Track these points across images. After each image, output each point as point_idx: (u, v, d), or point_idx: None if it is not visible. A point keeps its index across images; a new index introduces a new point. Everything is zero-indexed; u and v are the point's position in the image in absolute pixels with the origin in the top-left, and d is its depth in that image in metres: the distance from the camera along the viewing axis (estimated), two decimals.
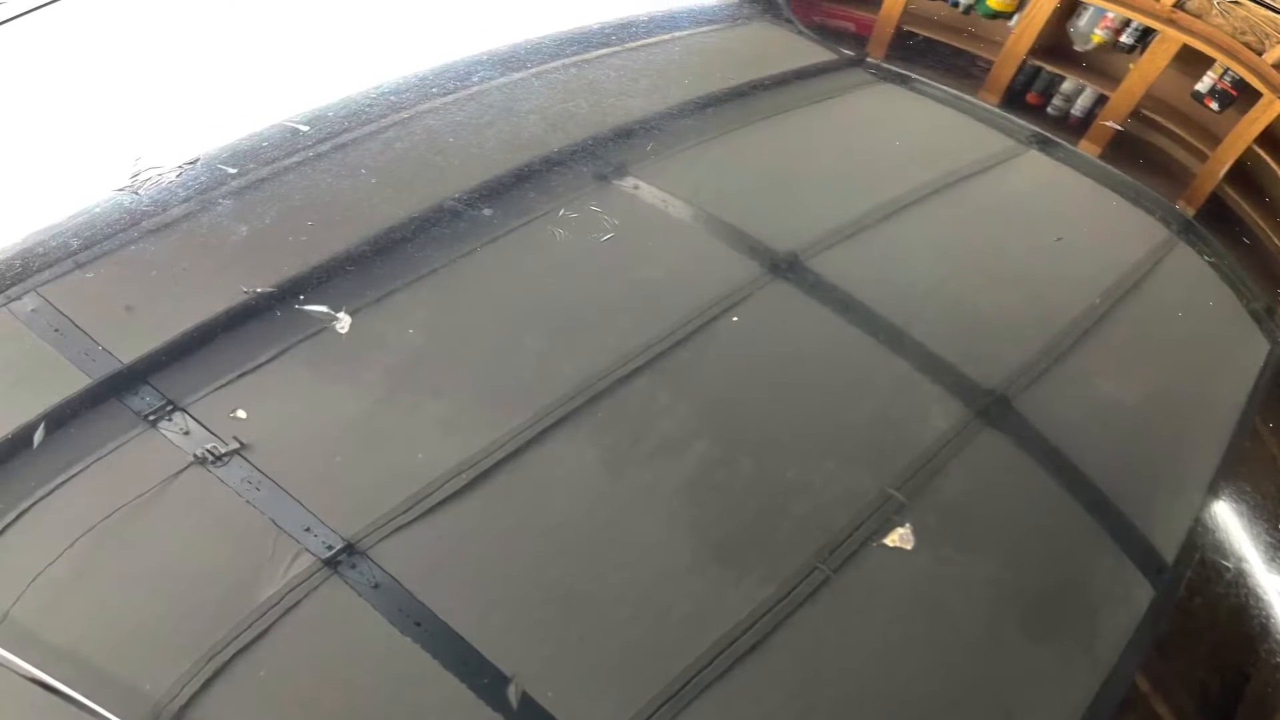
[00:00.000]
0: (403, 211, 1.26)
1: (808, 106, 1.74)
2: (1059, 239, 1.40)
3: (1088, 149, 1.70)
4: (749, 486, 0.98)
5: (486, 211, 1.27)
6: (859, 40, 2.04)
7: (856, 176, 1.50)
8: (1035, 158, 1.60)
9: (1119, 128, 1.74)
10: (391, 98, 1.49)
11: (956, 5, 2.17)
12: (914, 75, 1.80)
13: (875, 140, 1.62)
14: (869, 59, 1.91)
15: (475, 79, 1.55)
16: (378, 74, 1.56)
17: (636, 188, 1.34)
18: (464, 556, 0.92)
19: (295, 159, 1.34)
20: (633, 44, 1.75)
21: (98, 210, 1.23)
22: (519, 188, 1.32)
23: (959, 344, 1.19)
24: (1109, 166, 1.65)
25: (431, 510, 0.93)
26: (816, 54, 1.96)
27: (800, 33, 2.01)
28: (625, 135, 1.46)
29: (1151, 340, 1.29)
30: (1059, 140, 1.66)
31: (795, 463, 1.01)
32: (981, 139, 1.69)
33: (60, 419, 0.98)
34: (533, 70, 1.60)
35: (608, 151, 1.41)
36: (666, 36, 1.81)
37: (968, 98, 1.82)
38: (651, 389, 1.07)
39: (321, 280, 1.15)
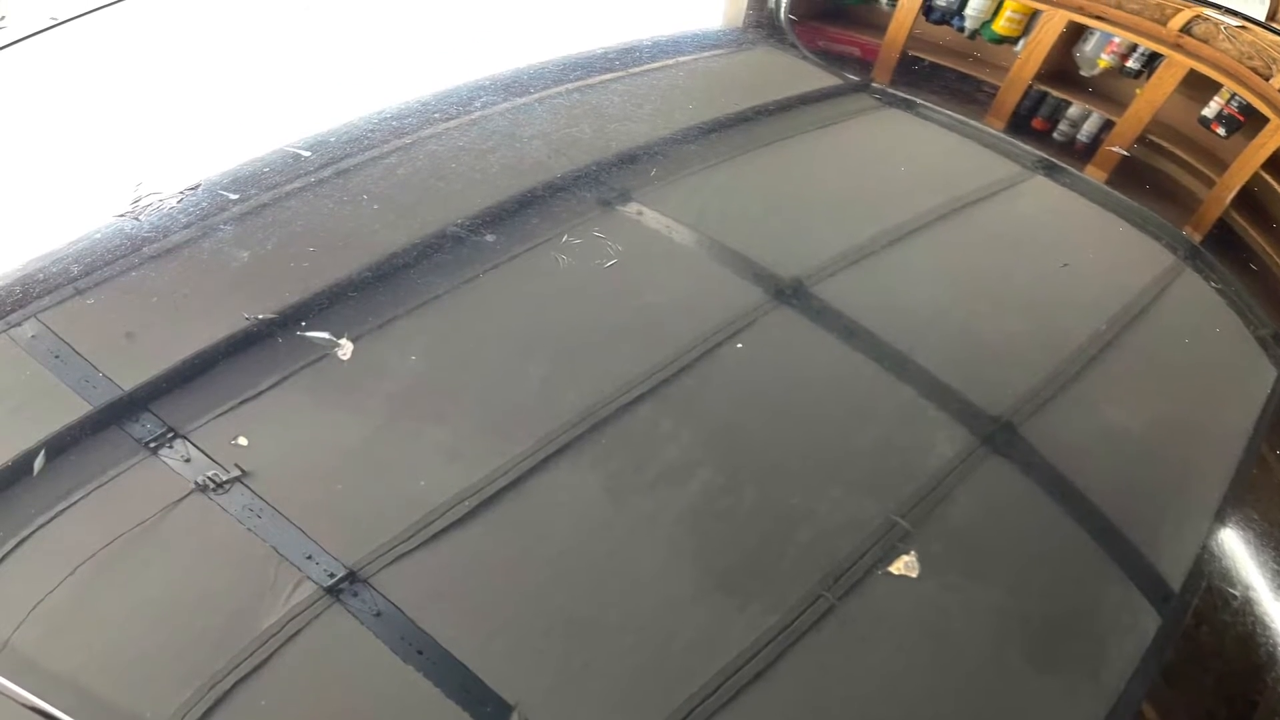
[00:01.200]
0: (405, 237, 1.27)
1: (812, 131, 1.75)
2: (1065, 265, 1.41)
3: (1094, 174, 1.71)
4: (753, 514, 0.99)
5: (489, 237, 1.28)
6: (864, 65, 2.06)
7: (861, 202, 1.51)
8: (1041, 183, 1.61)
9: (1125, 153, 1.75)
10: (394, 123, 1.50)
11: (962, 30, 2.19)
12: (919, 100, 1.81)
13: (880, 166, 1.63)
14: (874, 84, 1.92)
15: (478, 104, 1.57)
16: (380, 99, 1.57)
17: (640, 213, 1.36)
18: (467, 584, 0.92)
19: (297, 185, 1.35)
20: (636, 69, 1.76)
21: (98, 236, 1.24)
22: (522, 213, 1.33)
23: (965, 370, 1.20)
24: (1115, 192, 1.66)
25: (434, 538, 0.93)
26: (821, 79, 1.97)
27: (805, 58, 2.03)
28: (629, 161, 1.47)
29: (1158, 367, 1.30)
30: (1065, 166, 1.67)
31: (800, 490, 1.02)
32: (987, 164, 1.70)
33: (60, 446, 0.99)
34: (536, 95, 1.61)
35: (611, 177, 1.43)
36: (670, 61, 1.82)
37: (973, 123, 1.83)
38: (655, 416, 1.08)
39: (323, 306, 1.16)
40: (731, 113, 1.67)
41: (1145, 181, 1.74)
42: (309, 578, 0.89)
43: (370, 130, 1.48)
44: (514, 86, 1.63)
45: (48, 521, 0.93)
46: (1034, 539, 1.03)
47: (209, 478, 0.96)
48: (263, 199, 1.32)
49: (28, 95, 1.63)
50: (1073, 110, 1.90)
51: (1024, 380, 1.20)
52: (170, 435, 1.00)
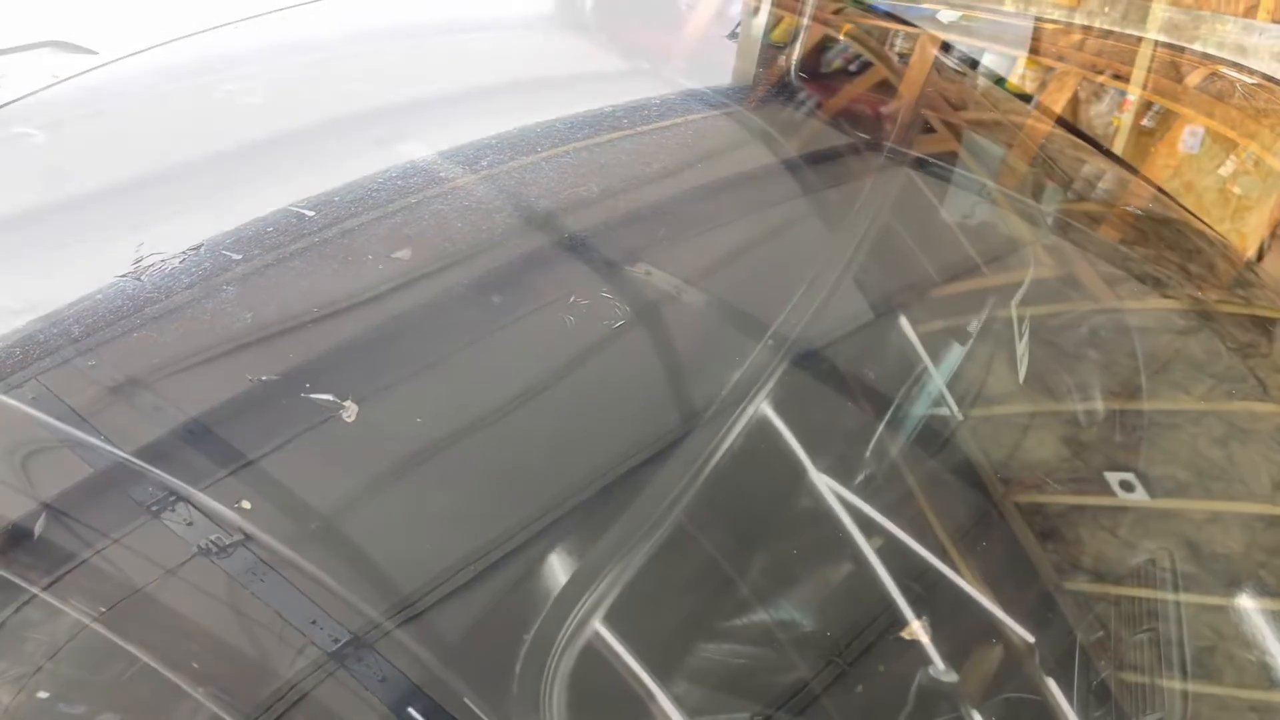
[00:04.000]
0: (410, 298, 1.29)
1: (823, 190, 1.77)
2: (1081, 326, 1.42)
3: (1109, 233, 1.73)
4: (763, 578, 1.00)
5: (495, 298, 1.30)
6: (875, 124, 2.08)
7: (872, 262, 1.53)
8: (1055, 242, 1.63)
9: (1141, 211, 1.77)
10: (398, 182, 1.52)
11: (975, 87, 2.22)
12: (931, 159, 1.83)
13: (892, 225, 1.65)
14: (886, 143, 1.95)
15: (484, 163, 1.59)
16: (384, 158, 1.59)
17: (648, 273, 1.37)
18: (471, 650, 0.93)
19: (300, 245, 1.37)
20: (645, 127, 1.79)
21: (100, 297, 1.26)
22: (529, 274, 1.35)
23: (979, 436, 1.21)
24: (1131, 250, 1.68)
25: (439, 602, 0.94)
26: (832, 137, 1.99)
27: (815, 115, 2.05)
28: (637, 220, 1.49)
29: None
30: (1080, 225, 1.69)
31: (811, 555, 1.03)
32: (1001, 223, 1.72)
33: (62, 509, 1.01)
34: (543, 154, 1.63)
35: (619, 237, 1.44)
36: (679, 120, 1.85)
37: (986, 182, 1.85)
38: (664, 479, 1.09)
39: (327, 368, 1.18)
40: (741, 171, 1.69)
41: (1162, 239, 1.75)
42: (313, 643, 0.90)
43: (375, 190, 1.50)
44: (520, 145, 1.65)
45: (49, 585, 0.94)
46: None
47: (211, 541, 0.97)
48: (266, 259, 1.34)
49: (28, 153, 1.66)
50: (1087, 168, 1.92)
51: (1044, 449, 1.21)
52: (172, 498, 1.01)
